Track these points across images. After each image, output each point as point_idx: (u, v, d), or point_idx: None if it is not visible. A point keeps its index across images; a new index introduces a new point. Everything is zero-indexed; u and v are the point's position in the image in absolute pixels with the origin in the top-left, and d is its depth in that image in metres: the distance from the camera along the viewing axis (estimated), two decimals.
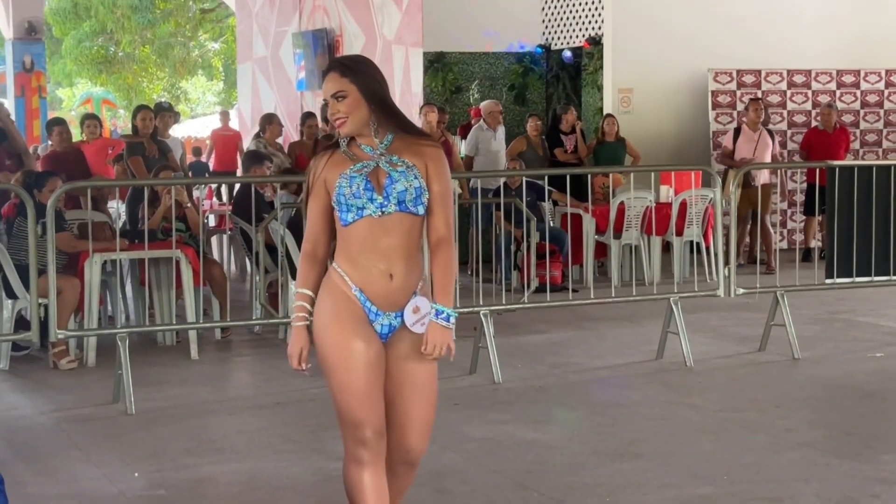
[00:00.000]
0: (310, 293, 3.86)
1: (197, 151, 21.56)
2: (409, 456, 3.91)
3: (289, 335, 8.93)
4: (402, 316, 3.82)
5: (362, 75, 3.84)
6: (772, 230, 12.77)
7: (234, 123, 21.45)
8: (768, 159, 12.77)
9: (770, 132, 13.05)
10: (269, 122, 12.42)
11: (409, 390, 3.85)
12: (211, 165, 19.73)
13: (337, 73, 3.84)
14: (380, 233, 3.77)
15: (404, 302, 3.82)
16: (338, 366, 3.78)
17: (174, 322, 8.88)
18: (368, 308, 3.81)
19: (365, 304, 3.80)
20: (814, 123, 14.28)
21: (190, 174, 15.24)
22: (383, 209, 3.76)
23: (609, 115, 13.43)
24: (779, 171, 13.38)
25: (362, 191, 3.76)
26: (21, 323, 8.35)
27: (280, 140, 12.88)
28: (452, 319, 3.82)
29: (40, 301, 7.27)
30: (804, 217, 13.85)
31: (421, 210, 3.81)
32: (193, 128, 33.24)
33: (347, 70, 3.84)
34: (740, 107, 14.25)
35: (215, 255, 12.40)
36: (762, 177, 12.58)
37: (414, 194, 3.78)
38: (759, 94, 14.42)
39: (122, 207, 10.65)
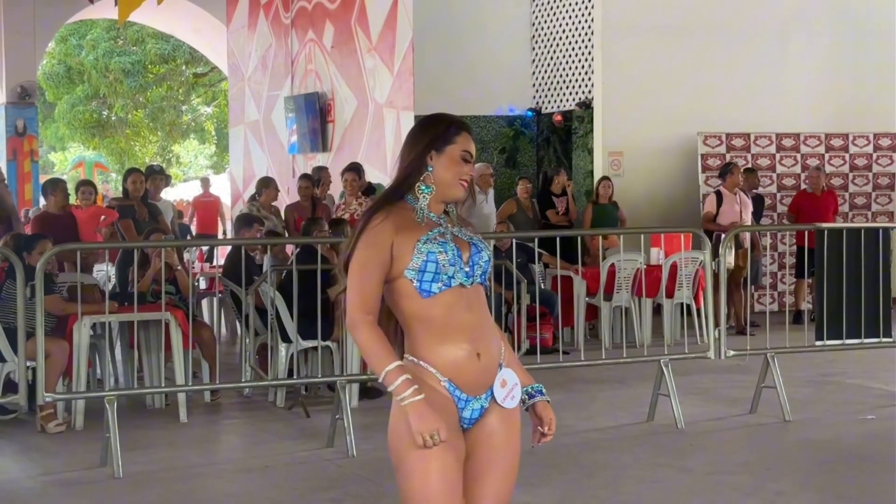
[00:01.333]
0: (403, 363, 3.46)
1: (178, 214, 21.99)
2: None
3: (279, 397, 8.93)
4: (492, 394, 3.55)
5: None
6: (743, 293, 12.69)
7: (225, 186, 22.16)
8: (749, 222, 12.76)
9: (746, 194, 13.04)
10: (266, 185, 12.43)
11: (496, 466, 3.56)
12: (193, 230, 20.31)
13: (472, 137, 3.66)
14: (463, 306, 3.50)
15: (491, 380, 3.55)
16: (415, 474, 3.44)
17: (163, 385, 8.84)
18: (458, 397, 3.51)
19: (454, 393, 3.51)
20: (802, 186, 14.35)
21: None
22: (471, 279, 3.54)
23: (605, 178, 13.51)
24: (759, 234, 13.23)
25: (455, 258, 3.50)
26: (9, 386, 8.28)
27: (276, 203, 12.90)
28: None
29: (28, 364, 7.23)
30: (794, 279, 13.87)
31: (486, 283, 3.63)
32: (185, 191, 33.33)
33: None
34: None
35: (205, 318, 12.36)
36: (744, 241, 12.52)
37: (489, 266, 3.61)
38: (749, 158, 14.51)
39: (112, 270, 10.62)
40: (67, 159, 39.53)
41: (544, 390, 3.73)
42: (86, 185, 12.22)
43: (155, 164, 21.94)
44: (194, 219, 21.16)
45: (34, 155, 22.82)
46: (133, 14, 16.48)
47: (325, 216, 11.41)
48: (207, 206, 21.26)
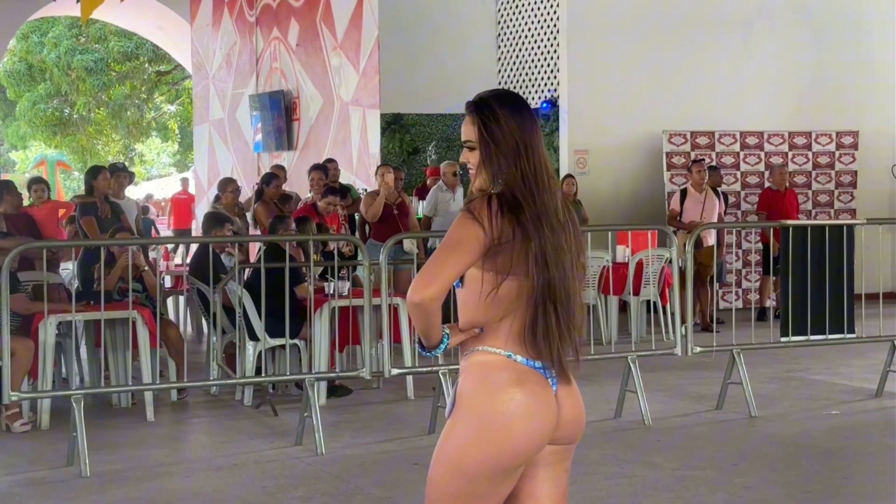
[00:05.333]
0: None
1: (145, 209, 22.32)
2: None
3: (247, 396, 8.90)
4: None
5: None
6: (709, 290, 12.73)
7: (189, 185, 24.17)
8: (715, 220, 12.76)
9: (717, 192, 13.08)
10: (224, 187, 12.33)
11: None
12: (169, 224, 23.33)
13: (469, 119, 3.41)
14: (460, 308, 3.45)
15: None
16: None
17: (130, 384, 8.80)
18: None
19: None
20: (766, 184, 14.42)
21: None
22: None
23: (569, 176, 13.53)
24: (724, 232, 13.24)
25: None
26: None
27: (242, 200, 12.81)
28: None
29: None
30: (759, 277, 13.96)
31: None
32: (149, 189, 33.25)
33: None
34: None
35: (172, 316, 12.32)
36: (710, 238, 12.51)
37: None
38: (713, 156, 14.60)
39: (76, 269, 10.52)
40: (29, 158, 39.22)
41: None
42: (38, 183, 12.00)
43: (118, 161, 21.89)
44: (171, 216, 24.09)
45: None
46: (96, 11, 16.37)
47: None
48: (183, 204, 23.63)
